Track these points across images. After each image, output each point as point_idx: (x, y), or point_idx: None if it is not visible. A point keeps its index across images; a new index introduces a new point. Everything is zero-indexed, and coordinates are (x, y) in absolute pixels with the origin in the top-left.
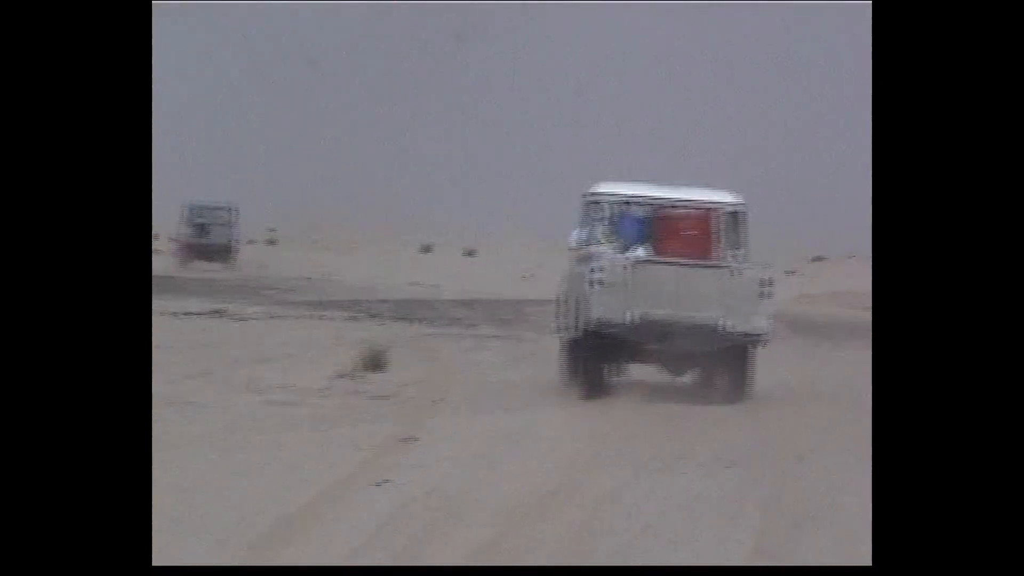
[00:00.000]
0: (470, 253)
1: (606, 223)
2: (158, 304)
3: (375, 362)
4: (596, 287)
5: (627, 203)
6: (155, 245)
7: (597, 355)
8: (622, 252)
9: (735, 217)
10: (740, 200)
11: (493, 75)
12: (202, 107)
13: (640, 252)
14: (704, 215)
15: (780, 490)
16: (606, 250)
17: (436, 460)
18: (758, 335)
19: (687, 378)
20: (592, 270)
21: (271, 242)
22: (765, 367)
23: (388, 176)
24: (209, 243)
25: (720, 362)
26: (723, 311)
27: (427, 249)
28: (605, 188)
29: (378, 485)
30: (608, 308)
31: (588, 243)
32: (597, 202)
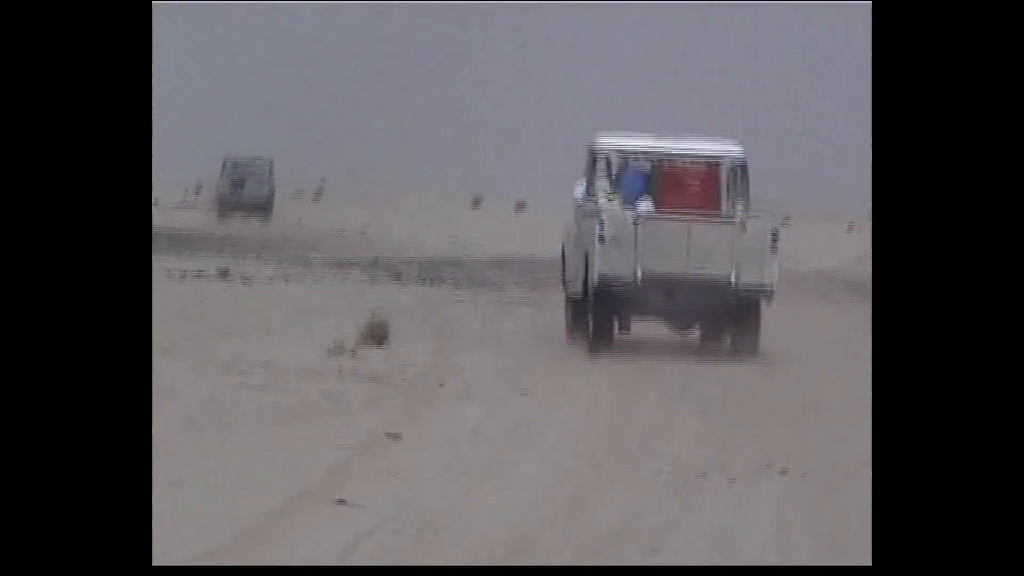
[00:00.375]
0: (521, 207)
1: (609, 176)
2: (161, 263)
3: (378, 335)
4: (602, 243)
5: (630, 154)
6: (194, 199)
7: (602, 311)
8: (625, 205)
9: (739, 167)
10: (742, 149)
11: (550, 26)
12: (251, 59)
13: (645, 206)
14: (710, 166)
15: (849, 514)
16: (611, 205)
17: (417, 467)
18: (768, 288)
19: (696, 335)
20: (598, 225)
21: (317, 194)
22: (825, 336)
23: (441, 126)
24: (246, 197)
25: (729, 317)
26: (732, 265)
27: (477, 203)
28: (607, 139)
29: (338, 503)
30: (614, 264)
31: (591, 196)
32: (599, 154)
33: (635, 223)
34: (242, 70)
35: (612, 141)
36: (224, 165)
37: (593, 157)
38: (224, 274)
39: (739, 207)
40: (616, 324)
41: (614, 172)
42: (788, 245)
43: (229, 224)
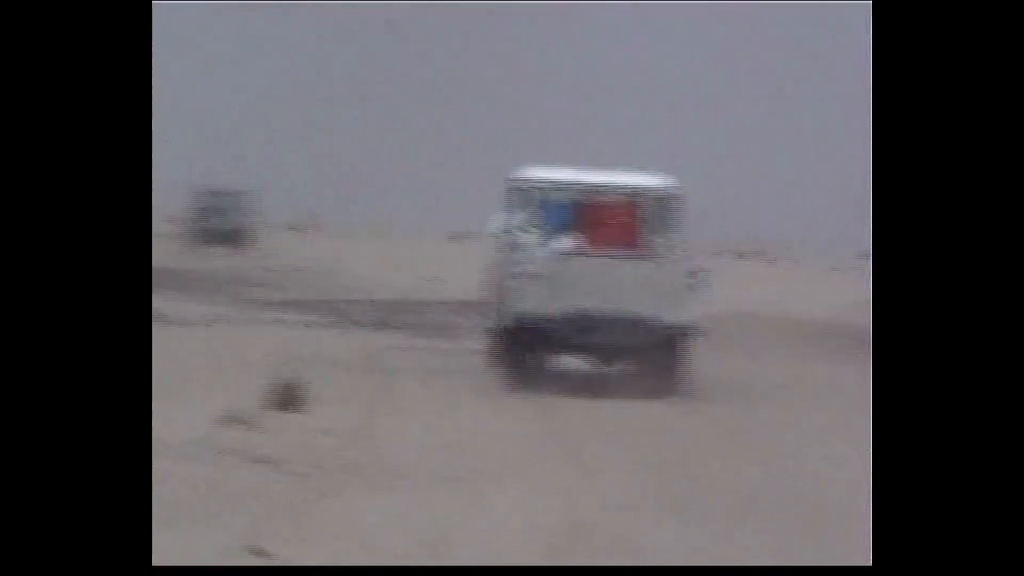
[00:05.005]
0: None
1: (529, 209)
2: None
3: (290, 398)
4: (522, 280)
5: (552, 188)
6: (158, 228)
7: (521, 346)
8: (545, 240)
9: (666, 202)
10: (672, 183)
11: (521, 56)
12: (233, 86)
13: (564, 241)
14: (631, 201)
15: None
16: (530, 240)
17: None
18: (687, 327)
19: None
20: (518, 262)
21: (300, 227)
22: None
23: (422, 158)
24: (217, 227)
25: (650, 354)
26: (651, 303)
27: (457, 237)
28: (529, 173)
29: None
30: (534, 301)
31: (511, 231)
32: (521, 187)
33: (554, 259)
34: (241, 95)
35: (533, 174)
36: (198, 195)
37: (513, 191)
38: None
39: (663, 242)
40: (536, 358)
41: (533, 205)
42: (768, 290)
43: (195, 256)
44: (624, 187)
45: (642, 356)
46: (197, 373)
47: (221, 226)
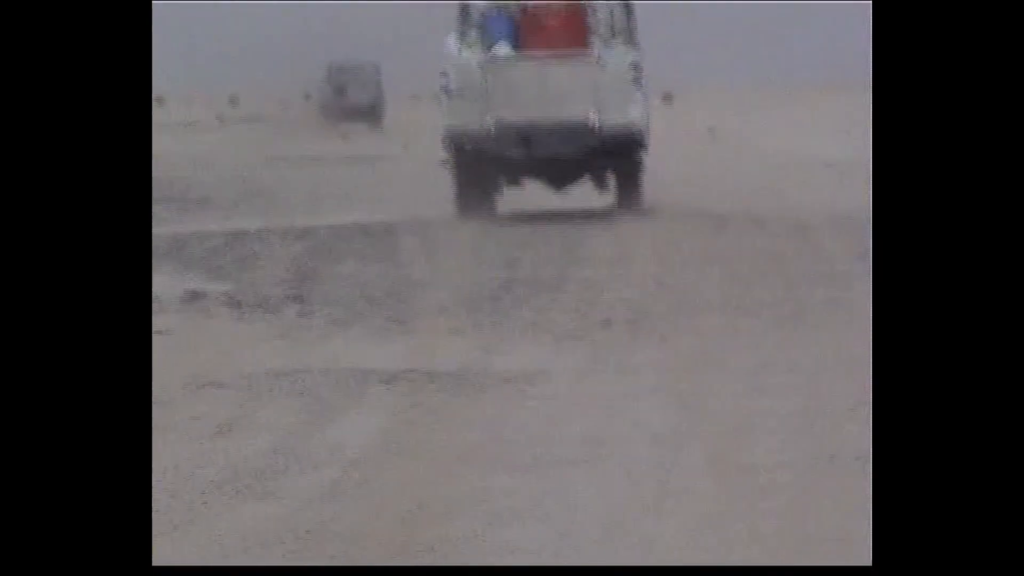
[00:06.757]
0: (667, 99)
1: (477, 24)
2: None
3: None
4: (448, 95)
5: (497, 2)
6: (277, 110)
7: (464, 167)
8: (482, 53)
9: (617, 6)
10: None
11: None
12: None
13: (498, 51)
14: (574, 5)
15: None
16: (462, 54)
17: None
18: (634, 130)
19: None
20: (442, 75)
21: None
22: None
23: None
24: (350, 104)
25: (603, 169)
26: (591, 105)
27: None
28: None
29: None
30: (461, 116)
31: (457, 49)
32: (469, 4)
33: (479, 69)
34: None
35: None
36: (329, 71)
37: (463, 8)
38: None
39: (607, 44)
40: (490, 183)
41: (480, 22)
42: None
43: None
44: None
45: (596, 171)
46: None
47: (355, 101)
